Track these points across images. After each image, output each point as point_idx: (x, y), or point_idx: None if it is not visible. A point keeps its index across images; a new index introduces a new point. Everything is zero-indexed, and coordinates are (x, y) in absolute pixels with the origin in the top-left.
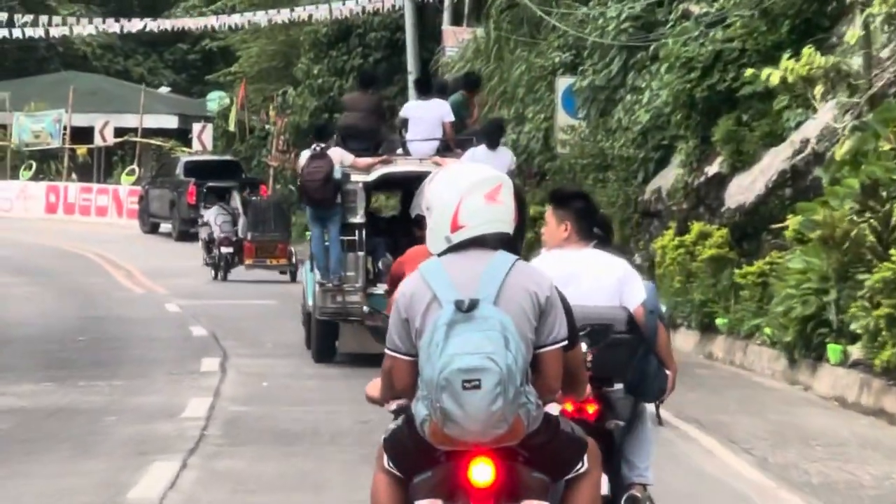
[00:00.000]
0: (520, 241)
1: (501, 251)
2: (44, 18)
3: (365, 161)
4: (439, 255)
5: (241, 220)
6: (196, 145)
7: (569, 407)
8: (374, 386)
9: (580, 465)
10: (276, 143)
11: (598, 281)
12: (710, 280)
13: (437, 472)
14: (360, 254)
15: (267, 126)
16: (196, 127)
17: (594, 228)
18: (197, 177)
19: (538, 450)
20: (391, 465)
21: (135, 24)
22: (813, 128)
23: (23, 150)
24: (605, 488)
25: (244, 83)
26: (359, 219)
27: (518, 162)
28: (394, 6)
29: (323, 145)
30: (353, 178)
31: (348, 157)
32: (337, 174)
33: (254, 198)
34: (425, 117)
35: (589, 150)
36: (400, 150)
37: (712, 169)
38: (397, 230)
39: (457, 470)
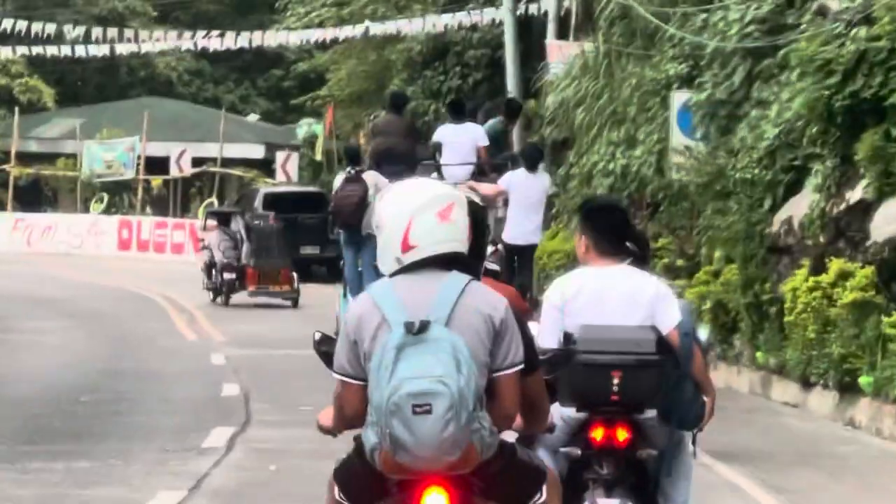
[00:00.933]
0: (479, 261)
1: (455, 272)
2: (121, 36)
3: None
4: (390, 275)
5: (245, 246)
6: (280, 176)
7: (597, 434)
8: (327, 414)
9: (538, 495)
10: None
11: (628, 300)
12: (851, 330)
13: (389, 503)
14: None
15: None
16: (280, 156)
17: (627, 244)
18: (277, 210)
19: (493, 479)
20: (342, 496)
21: (213, 42)
22: None
23: (94, 182)
24: None
25: (332, 108)
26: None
27: (629, 190)
28: (494, 21)
29: (357, 169)
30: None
31: (383, 181)
32: (371, 198)
33: (256, 223)
34: (459, 142)
35: (707, 173)
36: (434, 175)
37: (855, 195)
38: None
39: (409, 500)
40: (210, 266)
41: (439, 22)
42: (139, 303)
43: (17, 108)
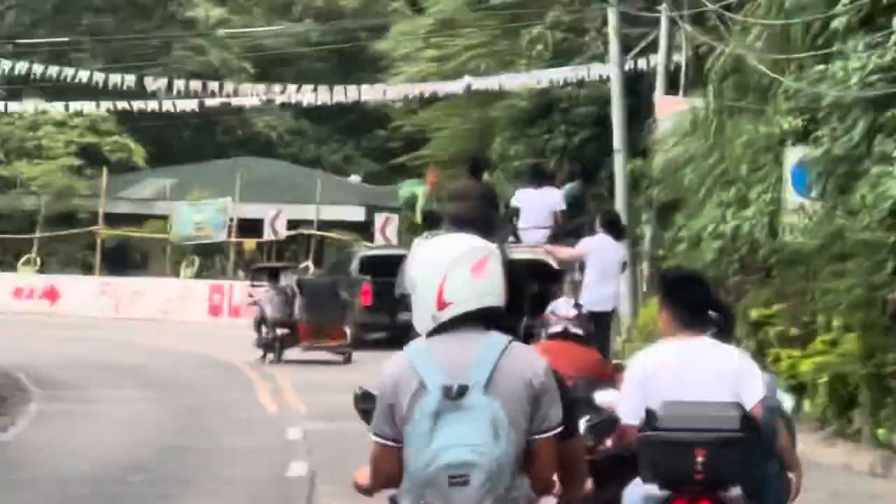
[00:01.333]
0: (518, 320)
1: (494, 332)
2: (207, 89)
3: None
4: (427, 336)
5: (298, 301)
6: (378, 239)
7: None
8: (364, 474)
9: None
10: None
11: (711, 375)
12: None
13: None
14: None
15: None
16: (378, 219)
17: (710, 314)
18: (374, 273)
19: None
20: None
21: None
22: None
23: (184, 244)
24: None
25: (433, 168)
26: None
27: (740, 253)
28: (601, 77)
29: (434, 232)
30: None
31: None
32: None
33: (306, 277)
34: (537, 206)
35: (823, 234)
36: (511, 239)
37: None
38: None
39: None
40: (260, 322)
41: (544, 78)
42: (223, 371)
43: (105, 168)
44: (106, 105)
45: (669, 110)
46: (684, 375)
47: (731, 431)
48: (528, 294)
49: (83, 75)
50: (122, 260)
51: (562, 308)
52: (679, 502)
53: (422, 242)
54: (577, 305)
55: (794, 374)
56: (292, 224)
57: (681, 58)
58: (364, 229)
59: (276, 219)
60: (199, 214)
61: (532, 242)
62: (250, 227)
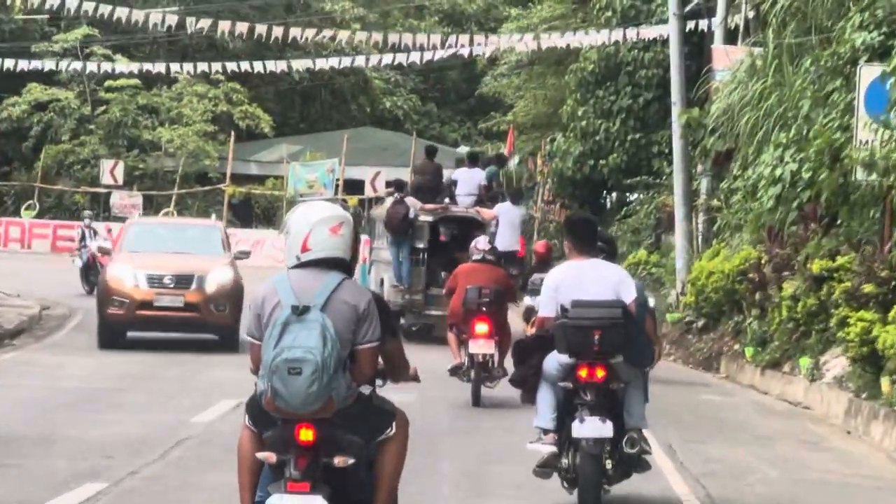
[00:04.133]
0: (354, 263)
1: (335, 271)
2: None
3: (431, 206)
4: (289, 268)
5: None
6: None
7: (583, 373)
8: (251, 363)
9: (389, 430)
10: (542, 193)
11: (600, 283)
12: None
13: (276, 431)
14: (422, 268)
15: (534, 176)
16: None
17: (598, 244)
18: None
19: (351, 418)
20: (249, 422)
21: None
22: None
23: (297, 200)
24: (610, 431)
25: (511, 130)
26: (422, 245)
27: (800, 200)
28: (661, 36)
29: (402, 194)
30: (421, 218)
31: (418, 204)
32: (411, 214)
33: None
34: (469, 180)
35: None
36: (447, 200)
37: None
38: (447, 253)
39: (289, 431)
40: None
41: (611, 38)
42: None
43: (233, 133)
44: (231, 68)
45: (727, 60)
46: (582, 283)
47: (616, 319)
48: (359, 246)
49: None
50: (246, 214)
51: (480, 243)
52: (582, 366)
53: (390, 199)
54: (491, 243)
55: (868, 341)
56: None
57: (739, 16)
58: None
59: (376, 179)
60: (310, 174)
61: (466, 205)
62: (355, 187)
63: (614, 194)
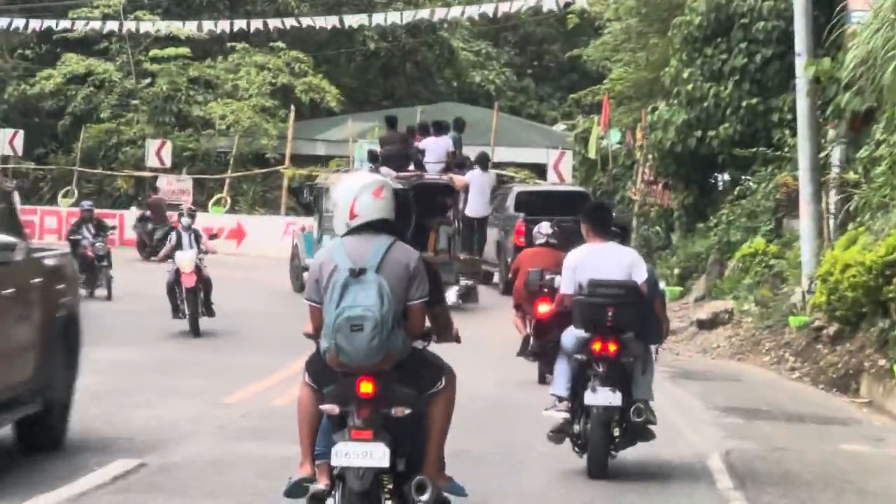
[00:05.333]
0: (406, 228)
1: (384, 234)
2: None
3: (405, 175)
4: (342, 236)
5: None
6: (551, 176)
7: (597, 347)
8: (307, 327)
9: (439, 383)
10: (641, 171)
11: (614, 264)
12: None
13: (337, 386)
14: None
15: (633, 151)
16: (552, 155)
17: (613, 229)
18: (530, 210)
19: (406, 372)
20: (308, 378)
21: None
22: None
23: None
24: (619, 401)
25: (606, 100)
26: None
27: None
28: None
29: (376, 165)
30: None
31: (392, 174)
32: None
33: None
34: (437, 149)
35: None
36: (411, 167)
37: None
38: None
39: (350, 385)
40: None
41: None
42: None
43: (292, 108)
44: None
45: (864, 1)
46: (599, 264)
47: (628, 297)
48: (413, 210)
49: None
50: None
51: (544, 228)
52: (597, 339)
53: (365, 170)
54: (553, 226)
55: None
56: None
57: None
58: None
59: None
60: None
61: (435, 172)
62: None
63: (726, 173)
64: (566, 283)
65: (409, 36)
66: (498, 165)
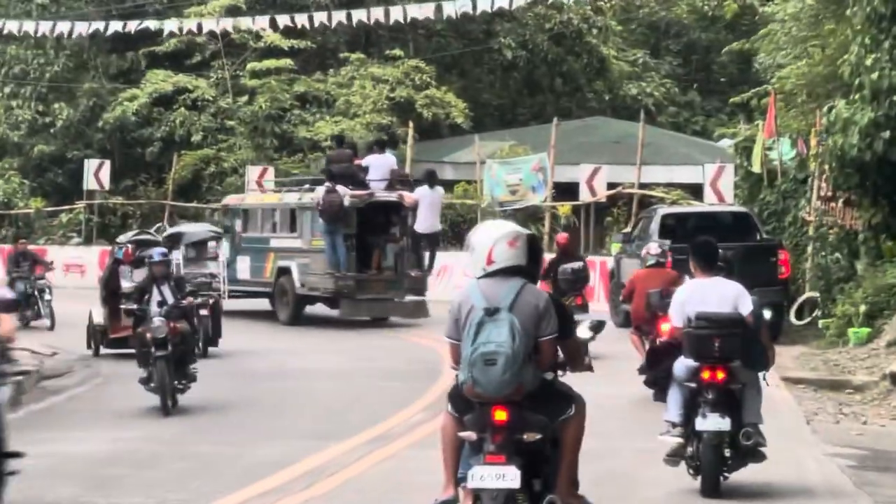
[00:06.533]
0: (536, 270)
1: (517, 277)
2: None
3: (359, 193)
4: (478, 278)
5: None
6: (709, 196)
7: (706, 375)
8: (450, 360)
9: (569, 410)
10: (817, 186)
11: (720, 297)
12: None
13: (475, 414)
14: (353, 253)
15: (806, 162)
16: (709, 170)
17: (719, 263)
18: (678, 238)
19: (538, 401)
20: (450, 408)
21: None
22: None
23: (496, 210)
24: (728, 426)
25: (773, 99)
26: (353, 231)
27: None
28: None
29: (332, 184)
30: (350, 204)
31: (347, 192)
32: (346, 202)
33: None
34: (381, 166)
35: None
36: (352, 186)
37: None
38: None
39: (487, 413)
40: None
41: None
42: None
43: (410, 125)
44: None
45: None
46: (706, 298)
47: (735, 328)
48: (541, 253)
49: None
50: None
51: (653, 249)
52: (706, 368)
53: (322, 189)
54: (662, 246)
55: None
56: (614, 187)
57: None
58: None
59: (594, 177)
60: (513, 174)
61: (379, 188)
62: (566, 192)
63: None
64: (675, 317)
65: (552, 43)
66: (645, 186)
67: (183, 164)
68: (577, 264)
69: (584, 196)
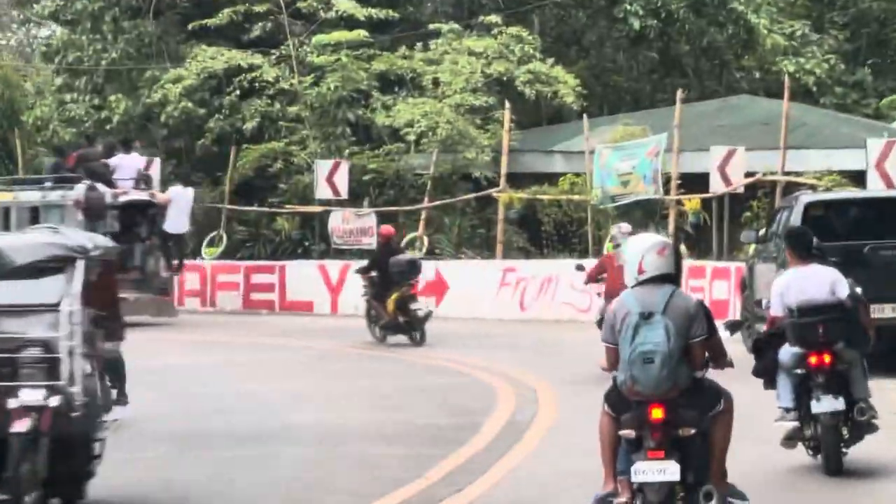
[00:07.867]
0: (679, 276)
1: (668, 284)
2: None
3: (117, 191)
4: (632, 287)
5: None
6: (873, 180)
7: (813, 360)
8: (603, 363)
9: (718, 405)
10: None
11: (818, 284)
12: None
13: (633, 413)
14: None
15: None
16: (872, 147)
17: (813, 251)
18: (825, 232)
19: (690, 398)
20: (608, 408)
21: None
22: None
23: (606, 206)
24: (842, 405)
25: None
26: (116, 229)
27: None
28: None
29: (92, 181)
30: (109, 201)
31: (108, 190)
32: (109, 199)
33: None
34: (128, 166)
35: None
36: (100, 185)
37: None
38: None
39: (644, 411)
40: None
41: None
42: None
43: (507, 106)
44: None
45: None
46: (804, 286)
47: (835, 313)
48: (682, 262)
49: None
50: (534, 233)
51: (625, 227)
52: (812, 354)
53: (82, 186)
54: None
55: None
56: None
57: None
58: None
59: (727, 162)
60: (625, 161)
61: (128, 187)
62: (694, 182)
63: None
64: (775, 307)
65: (690, 11)
66: (789, 173)
67: (244, 162)
68: (408, 256)
69: (716, 186)
